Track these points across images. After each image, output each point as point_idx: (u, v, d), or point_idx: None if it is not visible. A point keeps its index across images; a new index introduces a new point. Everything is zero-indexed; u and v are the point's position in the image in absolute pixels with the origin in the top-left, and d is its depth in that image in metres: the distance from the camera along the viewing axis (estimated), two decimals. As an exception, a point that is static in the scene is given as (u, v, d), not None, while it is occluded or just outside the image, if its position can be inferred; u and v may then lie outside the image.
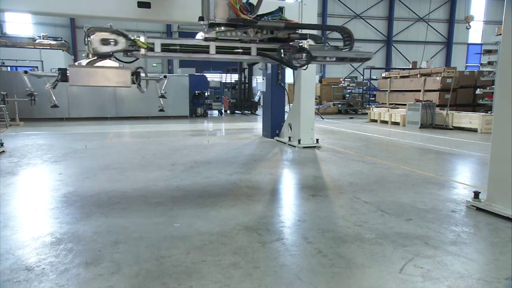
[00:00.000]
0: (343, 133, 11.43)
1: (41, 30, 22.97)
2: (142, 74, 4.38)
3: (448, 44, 31.60)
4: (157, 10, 6.39)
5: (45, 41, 19.77)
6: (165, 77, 4.91)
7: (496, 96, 4.69)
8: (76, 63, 3.75)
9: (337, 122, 15.14)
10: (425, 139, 10.01)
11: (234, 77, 21.54)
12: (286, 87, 9.83)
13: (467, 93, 14.59)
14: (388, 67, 28.51)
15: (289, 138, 8.88)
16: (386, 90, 17.32)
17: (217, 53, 3.91)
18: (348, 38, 4.18)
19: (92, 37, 3.55)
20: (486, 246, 3.26)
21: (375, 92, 20.38)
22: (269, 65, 8.66)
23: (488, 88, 13.13)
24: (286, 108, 10.51)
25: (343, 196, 4.63)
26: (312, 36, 4.20)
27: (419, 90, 15.11)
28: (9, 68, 18.05)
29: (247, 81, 19.05)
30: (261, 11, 4.02)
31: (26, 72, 4.21)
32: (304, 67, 4.14)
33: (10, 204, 4.20)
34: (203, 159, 6.96)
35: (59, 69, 3.88)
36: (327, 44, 4.75)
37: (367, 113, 16.33)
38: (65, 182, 5.20)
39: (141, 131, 11.71)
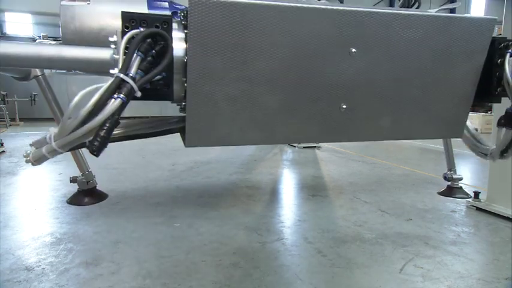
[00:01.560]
0: (343, 133, 11.41)
1: (41, 30, 22.98)
2: None
3: (448, 44, 31.58)
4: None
5: (45, 41, 19.78)
6: None
7: (496, 96, 4.68)
8: None
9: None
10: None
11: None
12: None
13: (467, 93, 14.57)
14: (388, 67, 28.48)
15: (289, 138, 8.86)
16: (387, 90, 17.30)
17: None
18: None
19: None
20: (486, 246, 3.26)
21: (375, 92, 20.35)
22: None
23: (488, 88, 13.08)
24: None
25: (343, 196, 4.63)
26: None
27: (419, 90, 15.09)
28: (9, 68, 18.03)
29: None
30: None
31: None
32: None
33: (10, 204, 4.20)
34: (203, 159, 6.95)
35: None
36: None
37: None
38: (65, 182, 5.19)
39: (141, 131, 11.68)
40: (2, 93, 12.34)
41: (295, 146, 8.37)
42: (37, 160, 1.48)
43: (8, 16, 23.27)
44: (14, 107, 12.92)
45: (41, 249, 3.05)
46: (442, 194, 4.55)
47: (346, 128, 1.82)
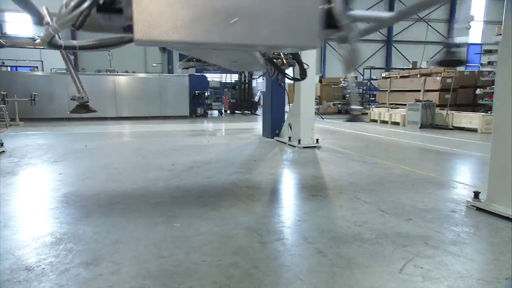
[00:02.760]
0: (343, 133, 11.43)
1: (41, 30, 22.93)
2: None
3: (448, 44, 31.50)
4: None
5: (45, 41, 19.73)
6: None
7: (496, 96, 4.69)
8: None
9: (337, 122, 15.13)
10: (425, 139, 10.01)
11: (234, 77, 21.53)
12: (286, 87, 9.82)
13: (467, 93, 14.57)
14: (388, 67, 28.47)
15: (289, 138, 8.87)
16: (387, 90, 17.30)
17: None
18: None
19: None
20: (486, 246, 3.26)
21: (375, 92, 20.36)
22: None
23: (488, 88, 13.11)
24: (286, 108, 10.51)
25: (343, 196, 4.63)
26: None
27: (419, 90, 15.09)
28: (9, 68, 18.05)
29: (247, 81, 19.05)
30: None
31: None
32: None
33: (10, 204, 4.20)
34: (203, 159, 6.96)
35: None
36: None
37: (367, 113, 16.32)
38: (65, 182, 5.20)
39: (141, 131, 11.70)
40: (2, 93, 12.33)
41: (295, 146, 8.37)
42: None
43: (8, 16, 23.25)
44: (14, 107, 12.91)
45: (41, 249, 3.05)
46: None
47: None
